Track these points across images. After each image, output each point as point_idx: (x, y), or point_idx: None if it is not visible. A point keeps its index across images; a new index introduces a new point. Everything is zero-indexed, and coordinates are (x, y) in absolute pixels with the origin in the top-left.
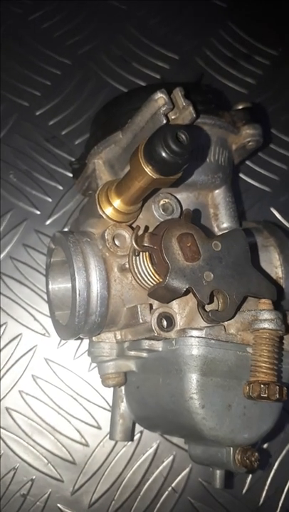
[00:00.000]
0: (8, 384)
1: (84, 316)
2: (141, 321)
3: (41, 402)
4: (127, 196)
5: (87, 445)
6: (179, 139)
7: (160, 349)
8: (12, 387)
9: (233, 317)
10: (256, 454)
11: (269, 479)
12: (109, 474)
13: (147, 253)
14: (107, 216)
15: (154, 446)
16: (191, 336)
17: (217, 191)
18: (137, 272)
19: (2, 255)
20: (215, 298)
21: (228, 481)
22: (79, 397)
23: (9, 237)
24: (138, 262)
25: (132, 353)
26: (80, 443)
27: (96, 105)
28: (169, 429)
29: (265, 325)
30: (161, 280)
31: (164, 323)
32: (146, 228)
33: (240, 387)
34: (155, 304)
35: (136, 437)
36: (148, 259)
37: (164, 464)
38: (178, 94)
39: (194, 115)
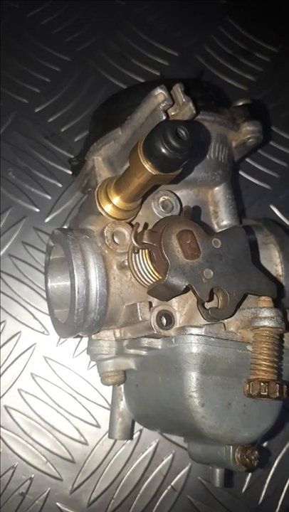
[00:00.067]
0: (7, 382)
1: (83, 314)
2: (140, 318)
3: (40, 400)
4: (126, 193)
5: (86, 444)
6: (178, 135)
7: (159, 347)
8: (11, 386)
9: (233, 315)
10: (256, 452)
11: (269, 478)
12: (109, 473)
13: (147, 250)
14: (106, 213)
15: (154, 444)
16: (191, 334)
17: (217, 188)
18: (136, 269)
19: (1, 253)
20: (215, 295)
21: (227, 480)
22: (78, 395)
23: (8, 235)
24: (137, 260)
25: (132, 351)
26: (79, 441)
27: (95, 102)
28: (168, 427)
29: (265, 323)
30: (160, 278)
31: (164, 321)
32: (146, 225)
33: (240, 385)
34: (154, 301)
35: (135, 436)
36: (147, 256)
37: (164, 462)
38: (178, 90)
39: (194, 111)
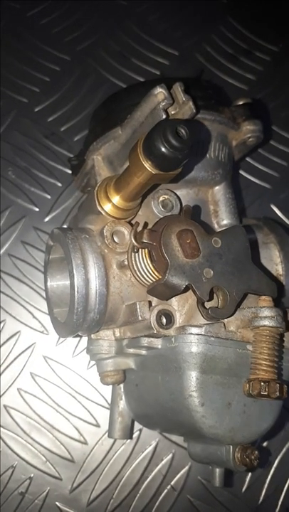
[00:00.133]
0: (7, 382)
1: (82, 314)
2: (140, 318)
3: (40, 400)
4: (126, 192)
5: (85, 443)
6: (178, 134)
7: (159, 346)
8: (10, 385)
9: (233, 314)
10: (256, 452)
11: (269, 478)
12: (108, 472)
13: (146, 250)
14: (106, 212)
15: (153, 444)
16: (191, 334)
17: (217, 188)
18: (136, 268)
19: (1, 252)
20: (215, 295)
21: (227, 480)
22: (78, 395)
23: (8, 235)
24: (137, 259)
25: (131, 350)
26: (79, 441)
27: (95, 101)
28: (168, 427)
29: (266, 322)
30: (160, 277)
31: (164, 320)
32: (146, 225)
33: (240, 384)
34: (154, 301)
35: (135, 435)
36: (147, 255)
37: (163, 462)
38: (178, 89)
39: (194, 110)
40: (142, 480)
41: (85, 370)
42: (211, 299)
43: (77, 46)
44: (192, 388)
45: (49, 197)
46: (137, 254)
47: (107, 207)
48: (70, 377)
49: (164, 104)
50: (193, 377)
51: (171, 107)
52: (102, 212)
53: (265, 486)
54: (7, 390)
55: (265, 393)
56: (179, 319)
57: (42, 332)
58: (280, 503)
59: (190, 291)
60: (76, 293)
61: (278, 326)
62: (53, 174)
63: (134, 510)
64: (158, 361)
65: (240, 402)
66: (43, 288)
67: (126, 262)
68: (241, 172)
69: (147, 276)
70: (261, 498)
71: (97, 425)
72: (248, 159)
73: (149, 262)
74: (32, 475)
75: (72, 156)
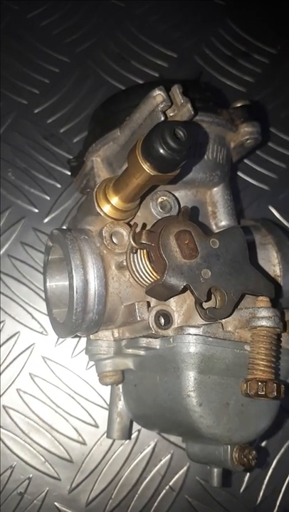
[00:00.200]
0: (6, 382)
1: (81, 314)
2: (138, 318)
3: (39, 400)
4: (124, 194)
5: (84, 443)
6: (176, 136)
7: (158, 347)
8: (10, 386)
9: (230, 315)
10: (254, 452)
11: (267, 478)
12: (107, 473)
13: (145, 250)
14: (105, 214)
15: (152, 444)
16: (189, 334)
17: (215, 189)
18: (134, 269)
19: (0, 253)
20: (212, 295)
21: (225, 480)
22: (76, 395)
23: (7, 235)
24: (136, 260)
25: (130, 350)
26: (78, 441)
27: (94, 103)
28: (166, 427)
29: (263, 322)
30: (158, 277)
31: (162, 320)
32: (144, 226)
33: (237, 385)
34: (153, 301)
35: (133, 436)
36: (146, 256)
37: (162, 462)
38: (176, 91)
39: (192, 112)
40: (141, 480)
41: (83, 370)
42: (208, 299)
43: (76, 48)
44: (190, 388)
45: (48, 198)
46: (135, 255)
47: (106, 208)
48: (69, 377)
49: (163, 106)
50: (191, 377)
51: (169, 109)
52: (101, 213)
53: (264, 486)
54: (6, 390)
55: (263, 393)
56: (177, 320)
57: (41, 333)
58: (278, 503)
59: (188, 292)
60: (75, 293)
61: (276, 326)
62: (52, 175)
63: (133, 511)
64: (156, 361)
65: (238, 402)
66: (42, 289)
67: (124, 263)
68: (239, 174)
69: (146, 276)
70: (259, 499)
71: (96, 426)
72: (246, 161)
73: (147, 262)
74: (31, 475)
75: (71, 157)
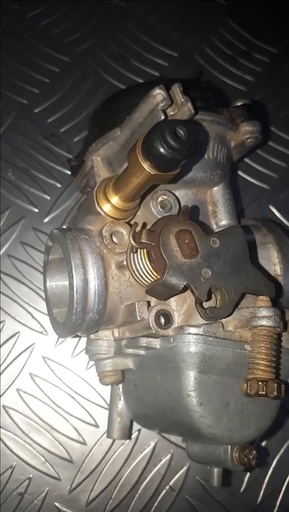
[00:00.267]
0: (6, 382)
1: (81, 314)
2: (138, 318)
3: (39, 400)
4: (125, 193)
5: (84, 443)
6: (177, 135)
7: (158, 346)
8: (10, 386)
9: (231, 314)
10: (254, 452)
11: (267, 477)
12: (107, 473)
13: (145, 250)
14: (105, 213)
15: (152, 444)
16: (189, 333)
17: (215, 188)
18: (134, 269)
19: (0, 253)
20: (213, 295)
21: (225, 480)
22: (76, 395)
23: (7, 235)
24: (136, 259)
25: (130, 350)
26: (78, 441)
27: (94, 102)
28: (166, 427)
29: (263, 322)
30: (158, 277)
31: (162, 320)
32: (144, 225)
33: (238, 384)
34: (153, 301)
35: (133, 436)
36: (146, 256)
37: (162, 462)
38: (176, 90)
39: (193, 111)
40: (141, 480)
41: (84, 370)
42: (209, 299)
43: (76, 47)
44: (190, 388)
45: (48, 198)
46: (135, 254)
47: (106, 207)
48: (69, 377)
49: (163, 105)
50: (191, 376)
51: (169, 108)
52: (101, 212)
53: (264, 486)
54: (6, 390)
55: (263, 393)
56: (177, 319)
57: (41, 332)
58: (278, 503)
59: (188, 291)
60: (75, 293)
61: (276, 325)
62: (52, 175)
63: (133, 511)
64: (156, 361)
65: (239, 402)
66: (43, 288)
67: (125, 263)
68: (240, 173)
69: (146, 276)
70: (259, 498)
71: (96, 425)
72: (246, 160)
73: (147, 262)
74: (31, 475)
75: (71, 157)
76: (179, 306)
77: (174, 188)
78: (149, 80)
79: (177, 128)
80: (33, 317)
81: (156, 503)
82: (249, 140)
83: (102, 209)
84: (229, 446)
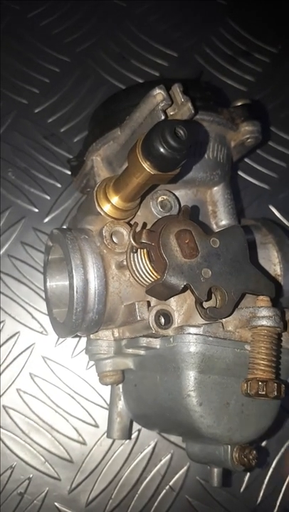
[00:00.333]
0: (6, 382)
1: (81, 314)
2: (139, 318)
3: (39, 400)
4: (125, 193)
5: (84, 443)
6: (177, 135)
7: (158, 346)
8: (10, 386)
9: (231, 314)
10: (254, 452)
11: (267, 478)
12: (107, 473)
13: (145, 250)
14: (105, 213)
15: (152, 444)
16: (189, 333)
17: (216, 188)
18: (134, 269)
19: (0, 253)
20: (213, 295)
21: (225, 480)
22: (76, 395)
23: (7, 235)
24: (136, 259)
25: (130, 350)
26: (78, 441)
27: (95, 102)
28: (166, 427)
29: (263, 322)
30: (159, 277)
31: (162, 320)
32: (144, 225)
33: (238, 384)
34: (153, 301)
35: (133, 436)
36: (146, 256)
37: (162, 462)
38: (176, 90)
39: (193, 111)
40: (141, 480)
41: (84, 370)
42: (209, 298)
43: (76, 47)
44: (190, 388)
45: (48, 198)
46: (135, 254)
47: (106, 207)
48: (69, 377)
49: (163, 105)
50: (191, 376)
51: (169, 108)
52: (101, 212)
53: (264, 486)
54: (6, 390)
55: (263, 393)
56: (177, 319)
57: (41, 332)
58: (278, 503)
59: (188, 291)
60: (75, 293)
61: (276, 325)
62: (52, 175)
63: (133, 511)
64: (156, 361)
65: (239, 402)
66: (43, 288)
67: (125, 263)
68: (240, 173)
69: (146, 276)
70: (259, 499)
71: (96, 425)
72: (246, 160)
73: (147, 262)
74: (31, 475)
75: (71, 157)
76: (179, 306)
77: (174, 188)
78: (149, 80)
79: (177, 128)
80: (33, 317)
81: (156, 503)
82: (249, 140)
83: (102, 209)
84: (229, 446)
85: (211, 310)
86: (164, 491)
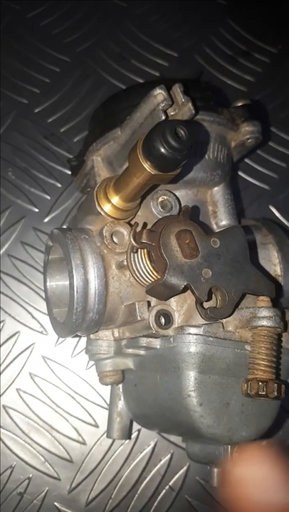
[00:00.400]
0: (6, 382)
1: (82, 314)
2: (139, 318)
3: (39, 400)
4: (125, 193)
5: (84, 443)
6: (177, 135)
7: (158, 347)
8: (9, 385)
9: (231, 314)
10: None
11: None
12: (107, 473)
13: (145, 250)
14: (106, 213)
15: (152, 444)
16: (189, 334)
17: (216, 188)
18: (135, 269)
19: (0, 253)
20: (213, 295)
21: None
22: (76, 395)
23: (7, 235)
24: (136, 259)
25: (130, 350)
26: (78, 441)
27: (95, 102)
28: (166, 427)
29: (264, 322)
30: (159, 277)
31: (162, 320)
32: (145, 225)
33: (238, 384)
34: (153, 301)
35: (133, 435)
36: (146, 256)
37: (162, 462)
38: (177, 90)
39: (193, 111)
40: (141, 480)
41: (83, 370)
42: (209, 299)
43: (77, 47)
44: (190, 388)
45: (49, 197)
46: (136, 254)
47: (107, 207)
48: (69, 377)
49: (164, 105)
50: (191, 377)
51: (170, 108)
52: (102, 212)
53: None
54: (6, 390)
55: (263, 393)
56: (177, 319)
57: (41, 332)
58: None
59: (189, 292)
60: (75, 293)
61: (276, 326)
62: (52, 175)
63: (133, 511)
64: (157, 361)
65: (239, 402)
66: (43, 288)
67: (125, 263)
68: (240, 173)
69: (146, 276)
70: None
71: (96, 425)
72: (246, 160)
73: (148, 262)
74: (31, 475)
75: (71, 156)
76: (179, 306)
77: (174, 188)
78: (149, 79)
79: (178, 128)
80: (33, 317)
81: (156, 503)
82: (249, 140)
83: (102, 209)
84: (229, 447)
85: (212, 310)
86: (164, 491)
